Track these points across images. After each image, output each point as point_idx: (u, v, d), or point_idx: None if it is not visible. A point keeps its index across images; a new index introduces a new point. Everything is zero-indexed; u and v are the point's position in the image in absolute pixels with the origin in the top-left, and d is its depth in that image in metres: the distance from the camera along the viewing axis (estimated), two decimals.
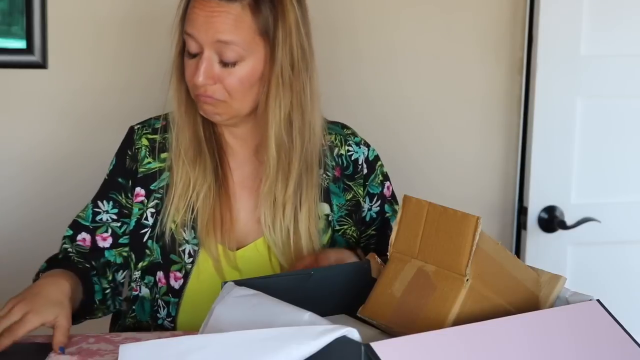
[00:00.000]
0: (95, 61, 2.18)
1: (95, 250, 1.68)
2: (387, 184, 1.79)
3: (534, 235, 2.35)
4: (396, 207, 1.79)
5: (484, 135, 2.41)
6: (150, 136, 1.71)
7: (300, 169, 1.64)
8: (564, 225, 2.32)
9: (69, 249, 1.68)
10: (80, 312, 1.59)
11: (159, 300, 1.68)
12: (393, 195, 1.80)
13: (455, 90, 2.38)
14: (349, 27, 2.29)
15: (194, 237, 1.65)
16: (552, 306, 1.31)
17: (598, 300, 1.27)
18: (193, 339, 1.16)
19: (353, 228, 1.73)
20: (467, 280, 1.20)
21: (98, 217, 1.69)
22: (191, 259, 1.65)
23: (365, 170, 1.75)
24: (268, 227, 1.65)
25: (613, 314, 1.26)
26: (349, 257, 1.62)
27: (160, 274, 1.67)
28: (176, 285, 1.66)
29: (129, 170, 1.69)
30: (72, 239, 1.69)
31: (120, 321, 1.76)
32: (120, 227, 1.69)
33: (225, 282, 1.32)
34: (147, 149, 1.69)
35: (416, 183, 2.34)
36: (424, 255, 1.27)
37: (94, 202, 1.70)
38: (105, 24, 2.17)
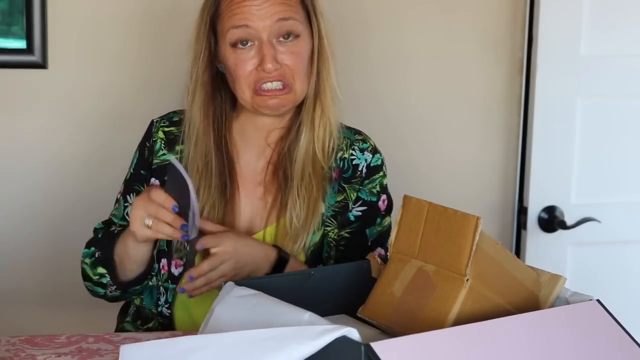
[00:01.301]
0: (95, 61, 2.18)
1: None
2: (383, 196, 1.76)
3: (534, 235, 2.35)
4: (389, 221, 1.77)
5: (484, 135, 2.41)
6: (167, 129, 1.73)
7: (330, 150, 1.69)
8: (564, 225, 2.32)
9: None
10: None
11: (161, 287, 1.70)
12: (389, 209, 1.77)
13: (456, 90, 2.38)
14: (347, 27, 2.29)
15: None
16: (552, 306, 1.31)
17: (598, 300, 1.27)
18: (193, 339, 1.16)
19: (335, 231, 1.73)
20: (467, 280, 1.20)
21: (125, 212, 1.72)
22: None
23: (363, 176, 1.74)
24: (297, 184, 1.66)
25: (613, 314, 1.26)
26: (262, 258, 1.61)
27: (164, 261, 1.69)
28: (176, 272, 1.69)
29: (147, 161, 1.73)
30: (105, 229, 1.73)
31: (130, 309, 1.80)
32: None
33: (225, 282, 1.32)
34: (163, 142, 1.72)
35: (416, 183, 2.34)
36: (424, 255, 1.27)
37: (124, 197, 1.74)
38: (105, 24, 2.17)
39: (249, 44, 1.61)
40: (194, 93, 1.68)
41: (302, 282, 1.39)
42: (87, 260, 1.68)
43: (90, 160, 2.18)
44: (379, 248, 1.74)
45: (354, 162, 1.74)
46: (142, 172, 1.73)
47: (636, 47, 2.35)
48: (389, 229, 1.76)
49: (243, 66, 1.62)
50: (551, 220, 2.34)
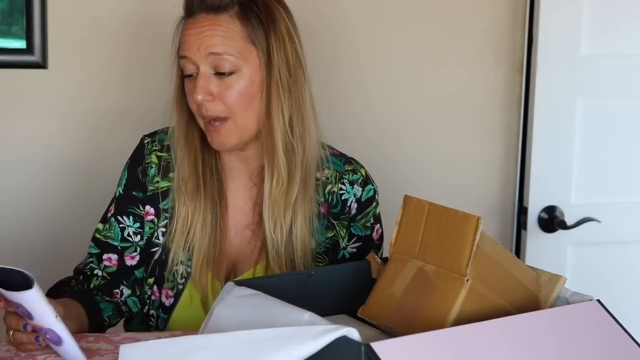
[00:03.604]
0: (95, 61, 2.18)
1: (124, 269, 1.68)
2: (377, 226, 1.74)
3: (534, 235, 2.35)
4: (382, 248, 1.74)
5: (484, 135, 2.41)
6: (159, 154, 1.70)
7: (301, 174, 1.65)
8: (564, 225, 2.32)
9: (96, 271, 1.68)
10: (94, 329, 1.59)
11: (152, 311, 1.70)
12: (381, 238, 1.75)
13: (455, 90, 2.38)
14: (348, 27, 2.29)
15: (189, 259, 1.65)
16: (552, 306, 1.31)
17: (598, 300, 1.27)
18: (193, 339, 1.16)
19: None
20: (467, 280, 1.21)
21: (125, 233, 1.68)
22: (183, 280, 1.66)
23: (353, 211, 1.71)
24: (270, 227, 1.64)
25: (613, 314, 1.27)
26: None
27: (154, 287, 1.68)
28: (167, 302, 1.67)
29: (142, 183, 1.69)
30: (98, 257, 1.69)
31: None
32: (142, 241, 1.70)
33: (226, 282, 1.32)
34: (157, 167, 1.69)
35: (416, 183, 2.34)
36: (424, 255, 1.27)
37: (116, 219, 1.69)
38: (105, 24, 2.17)
39: (193, 75, 1.61)
40: (172, 111, 1.68)
41: (302, 282, 1.39)
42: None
43: (90, 160, 2.18)
44: None
45: (343, 197, 1.70)
46: (133, 193, 1.69)
47: (636, 47, 2.35)
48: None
49: (191, 97, 1.62)
50: (551, 220, 2.34)
